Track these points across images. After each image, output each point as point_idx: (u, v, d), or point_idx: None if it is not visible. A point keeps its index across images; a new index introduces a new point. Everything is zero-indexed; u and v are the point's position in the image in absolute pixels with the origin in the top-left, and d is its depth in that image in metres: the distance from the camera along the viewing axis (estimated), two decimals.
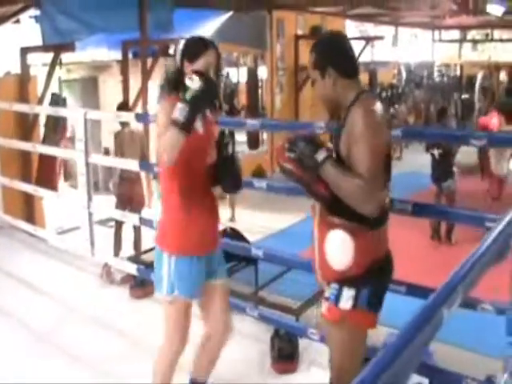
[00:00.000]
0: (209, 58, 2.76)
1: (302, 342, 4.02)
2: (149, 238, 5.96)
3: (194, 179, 2.79)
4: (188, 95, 2.54)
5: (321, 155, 2.37)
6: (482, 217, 2.80)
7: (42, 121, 8.35)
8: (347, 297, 2.47)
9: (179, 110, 2.52)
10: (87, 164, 4.77)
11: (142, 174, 6.36)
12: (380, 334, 3.19)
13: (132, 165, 4.83)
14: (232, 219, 9.52)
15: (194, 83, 2.55)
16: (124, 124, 6.39)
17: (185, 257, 2.80)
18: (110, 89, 10.68)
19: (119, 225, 5.98)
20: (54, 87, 9.50)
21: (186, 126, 2.53)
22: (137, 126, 6.83)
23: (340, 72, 2.47)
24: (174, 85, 2.82)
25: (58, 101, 8.88)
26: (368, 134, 2.31)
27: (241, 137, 11.87)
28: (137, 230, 6.22)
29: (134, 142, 6.43)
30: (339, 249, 2.49)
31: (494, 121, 8.77)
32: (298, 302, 5.00)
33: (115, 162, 5.17)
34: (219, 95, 2.66)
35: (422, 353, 1.02)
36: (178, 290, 2.81)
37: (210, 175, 2.89)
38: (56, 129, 8.36)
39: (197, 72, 2.61)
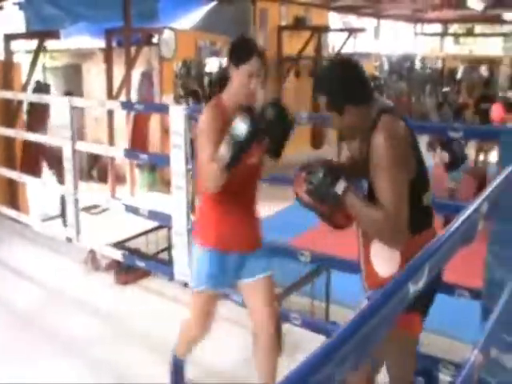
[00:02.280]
0: (252, 67, 2.74)
1: (284, 327, 4.14)
2: (135, 224, 6.04)
3: (235, 181, 2.74)
4: (234, 140, 2.54)
5: (340, 187, 2.30)
6: (459, 205, 2.93)
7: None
8: None
9: (224, 152, 2.56)
10: (74, 151, 4.83)
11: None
12: None
13: (118, 152, 4.89)
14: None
15: (239, 128, 2.53)
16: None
17: (213, 250, 2.89)
18: (94, 77, 10.67)
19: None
20: (37, 74, 9.49)
21: (230, 167, 2.58)
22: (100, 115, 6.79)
23: (357, 103, 2.34)
24: (219, 84, 2.86)
25: (42, 88, 8.86)
26: (389, 163, 2.21)
27: None
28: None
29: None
30: (386, 258, 2.41)
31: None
32: (280, 288, 5.10)
33: (101, 150, 5.21)
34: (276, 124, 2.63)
35: (389, 324, 1.11)
36: (204, 281, 2.94)
37: (255, 174, 2.92)
38: (38, 116, 8.33)
39: (243, 111, 2.59)
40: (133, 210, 4.58)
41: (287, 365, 3.91)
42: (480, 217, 1.50)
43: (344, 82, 2.34)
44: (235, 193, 2.84)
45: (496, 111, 9.21)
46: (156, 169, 9.97)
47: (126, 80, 9.25)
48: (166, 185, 9.89)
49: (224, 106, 2.80)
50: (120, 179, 9.75)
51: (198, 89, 11.51)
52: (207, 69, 12.53)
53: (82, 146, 4.90)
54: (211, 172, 2.63)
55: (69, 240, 5.20)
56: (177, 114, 3.84)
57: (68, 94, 6.21)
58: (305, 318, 3.65)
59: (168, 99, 9.87)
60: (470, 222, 1.53)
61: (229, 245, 2.89)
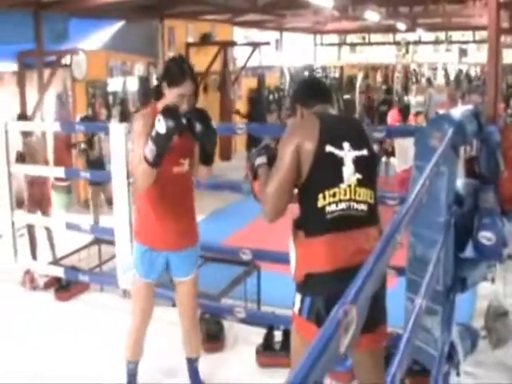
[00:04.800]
0: (183, 90, 3.00)
1: (226, 324, 4.45)
2: (72, 242, 6.17)
3: (162, 187, 3.10)
4: (156, 136, 2.84)
5: (260, 160, 2.75)
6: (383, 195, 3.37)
7: None
8: (296, 301, 2.51)
9: (149, 149, 2.86)
10: (9, 174, 4.94)
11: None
12: None
13: (58, 172, 5.04)
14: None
15: (160, 126, 2.83)
16: (28, 134, 6.47)
17: (143, 246, 3.25)
18: (1, 100, 10.55)
19: (32, 229, 6.09)
20: None
21: (154, 165, 2.89)
22: (38, 135, 6.94)
23: (304, 106, 2.73)
24: (154, 96, 3.14)
25: None
26: (279, 151, 2.56)
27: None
28: (50, 232, 6.34)
29: (42, 150, 6.58)
30: (290, 252, 2.58)
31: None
32: (213, 290, 5.31)
33: (39, 171, 5.34)
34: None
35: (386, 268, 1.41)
36: (135, 270, 3.31)
37: (183, 182, 3.20)
38: None
39: (164, 111, 2.88)
40: (74, 226, 4.75)
41: (230, 355, 4.23)
42: (425, 189, 1.85)
43: (298, 89, 2.91)
44: (166, 200, 3.15)
45: (392, 116, 9.82)
46: (72, 190, 10.02)
47: (40, 103, 9.28)
48: (82, 205, 9.96)
49: (157, 114, 3.00)
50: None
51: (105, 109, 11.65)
52: (110, 88, 12.66)
53: (17, 169, 5.01)
54: (140, 171, 2.94)
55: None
56: (117, 132, 4.07)
57: (22, 117, 6.38)
58: (249, 311, 3.97)
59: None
60: (422, 192, 1.85)
61: (156, 243, 3.22)
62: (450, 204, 2.98)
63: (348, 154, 2.49)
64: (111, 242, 4.75)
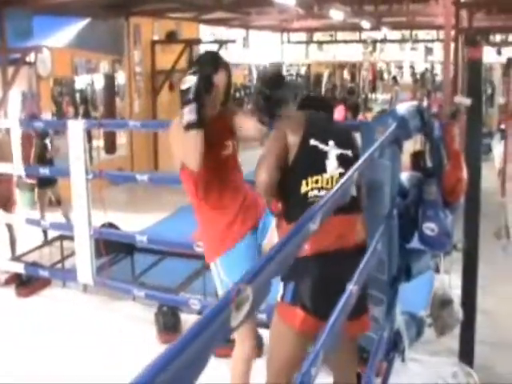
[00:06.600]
0: (217, 80, 2.83)
1: (183, 316, 4.54)
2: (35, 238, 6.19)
3: (218, 171, 2.93)
4: (187, 95, 2.66)
5: None
6: None
7: None
8: (279, 288, 2.52)
9: (187, 113, 2.67)
10: None
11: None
12: None
13: (18, 170, 5.06)
14: None
15: (189, 83, 2.67)
16: None
17: (232, 249, 2.95)
18: None
19: None
20: None
21: (200, 123, 2.69)
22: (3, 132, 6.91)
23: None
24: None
25: None
26: (267, 143, 2.70)
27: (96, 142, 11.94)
28: (11, 229, 6.31)
29: (5, 147, 6.47)
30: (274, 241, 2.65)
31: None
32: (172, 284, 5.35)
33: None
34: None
35: (293, 255, 1.47)
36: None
37: (234, 162, 3.06)
38: None
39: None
40: (34, 222, 4.79)
41: None
42: (352, 183, 1.94)
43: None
44: (227, 183, 2.98)
45: (339, 112, 9.77)
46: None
47: (3, 101, 9.22)
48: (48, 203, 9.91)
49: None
50: None
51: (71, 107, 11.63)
52: (77, 86, 12.62)
53: None
54: (190, 143, 2.71)
55: None
56: (76, 129, 4.13)
57: None
58: (204, 303, 4.05)
59: (47, 117, 9.91)
60: (346, 186, 1.94)
61: (242, 233, 2.97)
62: (394, 196, 3.10)
63: (332, 150, 2.61)
64: (74, 238, 4.79)
